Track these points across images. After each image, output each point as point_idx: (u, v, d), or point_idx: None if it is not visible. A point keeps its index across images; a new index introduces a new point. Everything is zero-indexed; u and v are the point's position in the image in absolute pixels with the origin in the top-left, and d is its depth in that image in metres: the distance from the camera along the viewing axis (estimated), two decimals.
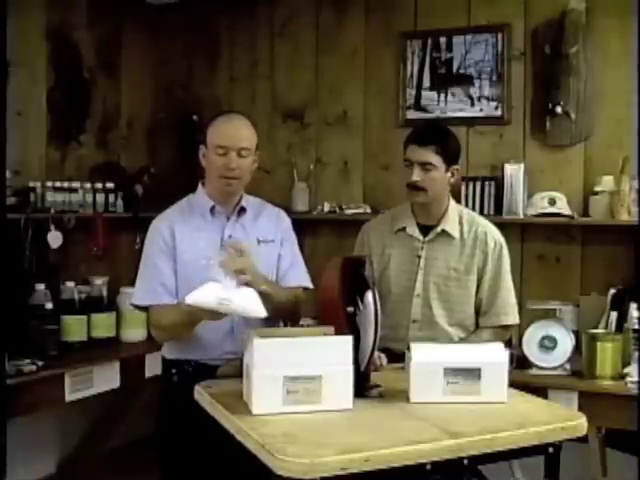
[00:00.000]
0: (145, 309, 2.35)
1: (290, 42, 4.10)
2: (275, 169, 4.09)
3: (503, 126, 3.61)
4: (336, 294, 2.05)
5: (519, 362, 3.06)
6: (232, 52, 4.25)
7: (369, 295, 2.02)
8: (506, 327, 2.59)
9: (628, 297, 3.10)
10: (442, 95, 3.72)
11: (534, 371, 3.08)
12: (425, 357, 1.98)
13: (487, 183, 3.52)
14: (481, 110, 3.65)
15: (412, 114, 3.78)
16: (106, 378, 3.30)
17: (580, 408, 2.76)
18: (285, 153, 4.05)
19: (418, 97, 3.78)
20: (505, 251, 2.57)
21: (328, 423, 1.79)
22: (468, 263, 2.53)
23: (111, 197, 3.70)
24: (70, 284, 3.39)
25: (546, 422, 1.81)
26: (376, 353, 2.14)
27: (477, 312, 2.57)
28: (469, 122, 3.66)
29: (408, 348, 2.03)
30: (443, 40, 3.71)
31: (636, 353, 2.93)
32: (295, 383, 1.83)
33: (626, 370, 2.94)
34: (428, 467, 1.64)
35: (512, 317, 2.57)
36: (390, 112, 3.85)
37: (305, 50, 4.06)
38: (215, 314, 2.04)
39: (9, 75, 3.23)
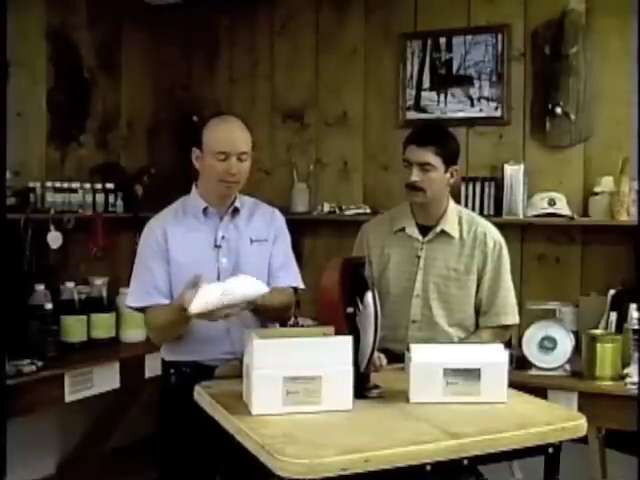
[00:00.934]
0: (141, 310, 2.35)
1: (290, 42, 4.10)
2: (275, 170, 4.09)
3: (503, 127, 3.61)
4: (336, 295, 2.05)
5: (519, 362, 3.07)
6: (232, 52, 4.26)
7: (369, 296, 2.02)
8: (506, 327, 2.59)
9: (628, 297, 3.10)
10: (442, 96, 3.72)
11: (534, 371, 3.08)
12: (425, 358, 1.98)
13: (487, 183, 3.52)
14: (481, 111, 3.65)
15: (412, 114, 3.78)
16: (106, 378, 3.30)
17: (580, 409, 2.76)
18: (285, 153, 4.05)
19: (418, 97, 3.78)
20: (504, 251, 2.57)
21: (328, 424, 1.79)
22: (468, 263, 2.53)
23: (111, 197, 3.70)
24: (70, 284, 3.39)
25: (546, 422, 1.81)
26: (376, 354, 2.15)
27: (477, 312, 2.57)
28: (469, 123, 3.66)
29: (408, 349, 2.04)
30: (443, 40, 3.71)
31: (636, 354, 2.93)
32: (295, 384, 1.83)
33: (626, 371, 2.94)
34: (428, 467, 1.64)
35: (512, 317, 2.57)
36: (390, 112, 3.85)
37: (305, 50, 4.06)
38: (210, 315, 2.04)
39: (9, 75, 3.23)
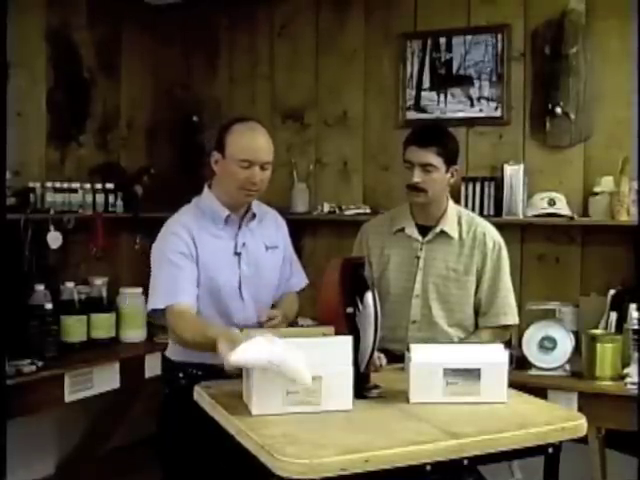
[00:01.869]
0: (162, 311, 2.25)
1: (290, 43, 4.10)
2: (275, 170, 4.04)
3: (503, 127, 3.61)
4: (336, 295, 2.06)
5: (519, 363, 3.06)
6: (232, 52, 4.25)
7: (369, 296, 2.02)
8: (505, 327, 2.59)
9: (628, 298, 3.10)
10: (442, 96, 3.72)
11: (534, 372, 3.08)
12: (425, 358, 1.98)
13: (487, 184, 3.51)
14: (481, 111, 3.64)
15: (412, 115, 3.78)
16: (106, 378, 3.30)
17: (580, 409, 2.76)
18: (285, 154, 4.05)
19: (418, 98, 3.78)
20: (504, 252, 2.57)
21: (328, 424, 1.79)
22: (467, 264, 2.54)
23: (111, 197, 3.70)
24: (70, 284, 3.39)
25: (546, 423, 1.81)
26: (376, 354, 2.15)
27: (476, 313, 2.57)
28: (469, 123, 3.66)
29: (408, 349, 2.04)
30: (443, 41, 3.71)
31: (636, 354, 2.93)
32: (295, 384, 1.83)
33: (626, 371, 2.94)
34: (428, 467, 1.64)
35: (511, 317, 2.57)
36: (390, 113, 3.85)
37: (305, 51, 4.06)
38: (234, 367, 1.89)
39: (9, 75, 3.23)
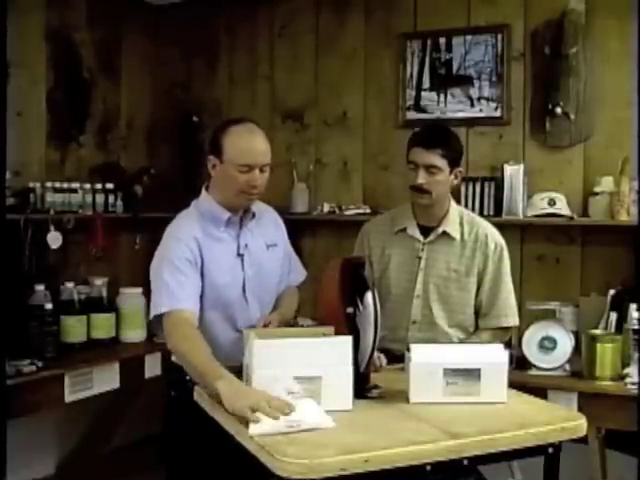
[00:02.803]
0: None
1: (290, 43, 4.10)
2: (275, 170, 4.04)
3: (503, 127, 3.61)
4: (336, 295, 2.05)
5: (519, 363, 3.06)
6: (232, 53, 4.26)
7: (369, 296, 2.02)
8: (506, 329, 2.59)
9: (628, 298, 3.10)
10: (442, 96, 3.72)
11: (534, 372, 3.08)
12: (425, 358, 1.98)
13: (487, 184, 3.51)
14: (481, 111, 3.64)
15: (412, 115, 3.78)
16: (106, 378, 3.30)
17: (580, 409, 2.76)
18: (285, 154, 4.05)
19: (418, 98, 3.78)
20: (505, 253, 2.57)
21: None
22: (468, 265, 2.53)
23: (111, 198, 3.70)
24: (70, 285, 3.39)
25: (546, 423, 1.81)
26: (376, 354, 2.14)
27: (477, 314, 2.57)
28: (469, 123, 3.66)
29: (408, 349, 2.03)
30: (443, 41, 3.71)
31: (636, 354, 2.93)
32: (295, 384, 1.83)
33: (626, 371, 2.94)
34: (428, 467, 1.64)
35: (512, 319, 2.57)
36: (390, 113, 3.85)
37: (305, 51, 4.06)
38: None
39: (9, 75, 3.23)
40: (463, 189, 3.51)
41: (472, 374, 1.96)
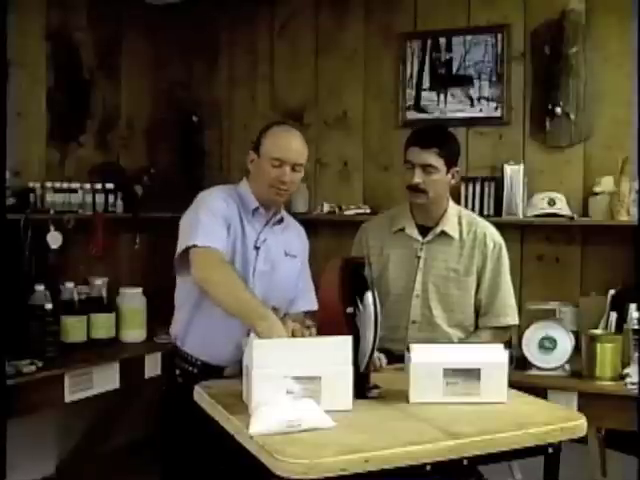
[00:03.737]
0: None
1: (290, 43, 4.10)
2: None
3: (503, 127, 3.61)
4: (336, 295, 2.06)
5: (519, 363, 3.06)
6: (232, 53, 4.26)
7: (369, 296, 2.02)
8: (505, 328, 2.59)
9: (628, 297, 3.10)
10: (442, 96, 3.72)
11: (534, 372, 3.08)
12: (424, 358, 1.98)
13: (487, 184, 3.51)
14: (481, 111, 3.65)
15: (412, 115, 3.78)
16: (106, 378, 3.29)
17: (580, 409, 2.76)
18: None
19: (418, 98, 3.78)
20: (504, 252, 2.57)
21: None
22: (467, 264, 2.54)
23: (111, 197, 3.69)
24: (70, 285, 3.39)
25: (546, 423, 1.81)
26: (376, 354, 2.15)
27: (476, 313, 2.57)
28: (469, 123, 3.66)
29: (407, 349, 2.04)
30: (443, 41, 3.71)
31: (636, 354, 2.93)
32: (295, 384, 1.83)
33: (626, 371, 2.93)
34: (428, 467, 1.64)
35: (511, 318, 2.57)
36: (390, 113, 3.85)
37: (305, 51, 4.06)
38: None
39: (9, 75, 3.23)
40: (463, 189, 3.51)
41: (472, 374, 1.96)
